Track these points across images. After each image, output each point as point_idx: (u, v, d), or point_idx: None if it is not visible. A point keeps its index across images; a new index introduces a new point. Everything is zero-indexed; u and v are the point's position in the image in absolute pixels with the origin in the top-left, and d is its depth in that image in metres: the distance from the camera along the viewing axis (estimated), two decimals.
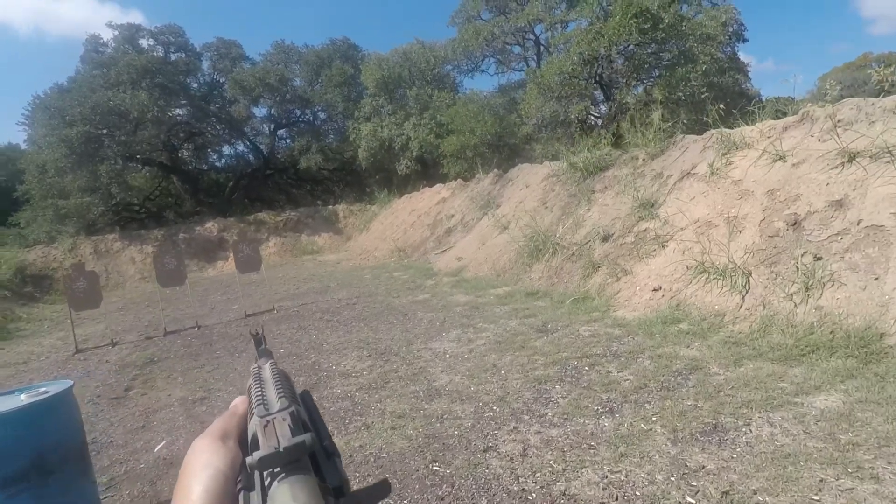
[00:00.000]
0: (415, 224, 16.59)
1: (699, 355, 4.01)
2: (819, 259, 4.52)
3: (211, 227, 21.60)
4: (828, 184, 5.10)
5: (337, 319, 7.28)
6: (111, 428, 4.18)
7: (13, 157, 28.68)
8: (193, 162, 28.15)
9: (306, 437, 0.40)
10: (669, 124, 8.74)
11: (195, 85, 26.37)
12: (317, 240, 21.34)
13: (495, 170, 14.34)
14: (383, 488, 0.49)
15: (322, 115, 27.74)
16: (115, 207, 22.99)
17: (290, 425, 0.41)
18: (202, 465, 0.43)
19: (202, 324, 8.35)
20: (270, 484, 0.38)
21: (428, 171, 23.23)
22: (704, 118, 8.77)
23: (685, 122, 10.28)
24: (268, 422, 0.42)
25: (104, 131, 21.17)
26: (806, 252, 4.66)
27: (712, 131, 7.60)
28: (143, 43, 24.87)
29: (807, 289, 4.31)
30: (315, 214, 22.71)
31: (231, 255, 8.89)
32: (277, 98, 25.66)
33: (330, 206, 23.32)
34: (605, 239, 7.54)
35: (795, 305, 4.28)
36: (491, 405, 3.63)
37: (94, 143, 20.44)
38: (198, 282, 16.40)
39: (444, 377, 4.31)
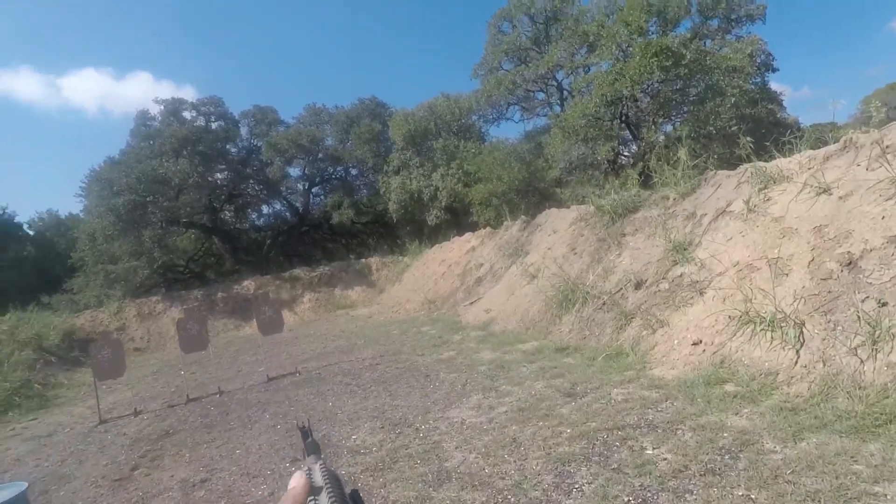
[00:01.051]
0: (445, 274, 16.34)
1: (750, 426, 3.46)
2: (884, 305, 3.93)
3: (248, 285, 22.00)
4: (883, 217, 4.54)
5: (356, 383, 6.95)
6: None
7: (73, 227, 30.64)
8: (233, 222, 29.21)
9: None
10: (701, 160, 8.27)
11: (234, 150, 27.71)
12: (350, 294, 21.34)
13: (522, 216, 14.05)
14: None
15: (353, 171, 28.50)
16: (159, 270, 23.85)
17: None
18: None
19: (224, 389, 8.18)
20: None
21: (458, 219, 23.19)
22: (737, 152, 8.30)
23: (717, 156, 9.78)
24: None
25: (149, 198, 22.31)
26: (867, 297, 4.08)
27: (746, 165, 7.13)
28: (186, 114, 26.50)
29: (874, 341, 3.72)
30: (348, 268, 22.85)
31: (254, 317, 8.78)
32: (310, 157, 26.58)
33: (363, 260, 23.45)
34: (637, 286, 7.03)
35: (862, 362, 3.69)
36: (505, 493, 3.17)
37: (139, 210, 21.50)
38: (232, 341, 16.52)
39: (457, 455, 3.88)
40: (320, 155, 26.65)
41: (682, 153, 8.09)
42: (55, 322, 17.40)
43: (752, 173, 6.64)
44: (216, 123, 27.31)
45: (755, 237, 5.73)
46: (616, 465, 3.26)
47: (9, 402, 9.58)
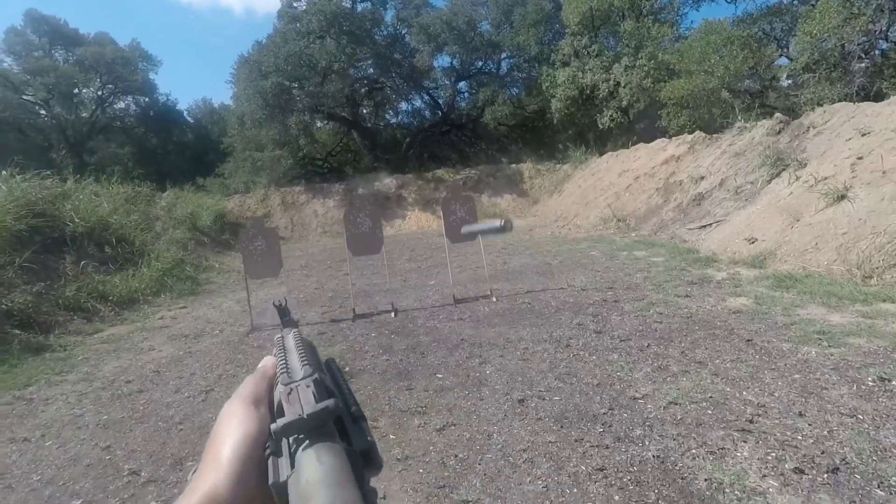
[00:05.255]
0: (631, 188, 13.05)
1: None
2: None
3: (389, 183, 20.52)
4: None
5: (613, 333, 4.45)
6: None
7: (224, 116, 31.28)
8: (372, 118, 27.70)
9: (329, 402, 0.38)
10: None
11: (378, 37, 25.32)
12: (499, 202, 18.90)
13: (778, 115, 10.05)
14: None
15: (506, 65, 24.84)
16: (301, 161, 23.28)
17: (313, 392, 0.40)
18: (233, 429, 0.41)
19: (399, 306, 6.23)
20: (296, 450, 0.36)
21: (632, 125, 19.17)
22: None
23: None
24: (291, 389, 0.41)
25: (295, 84, 21.11)
26: None
27: None
28: None
29: None
30: (497, 173, 20.25)
31: (441, 216, 6.53)
32: (462, 45, 23.31)
33: (514, 165, 20.62)
34: None
35: None
36: None
37: (285, 95, 20.42)
38: None
39: None
40: (474, 42, 23.21)
41: None
42: (208, 203, 17.22)
43: None
44: (362, 4, 24.90)
45: None
46: None
47: (161, 284, 8.69)
